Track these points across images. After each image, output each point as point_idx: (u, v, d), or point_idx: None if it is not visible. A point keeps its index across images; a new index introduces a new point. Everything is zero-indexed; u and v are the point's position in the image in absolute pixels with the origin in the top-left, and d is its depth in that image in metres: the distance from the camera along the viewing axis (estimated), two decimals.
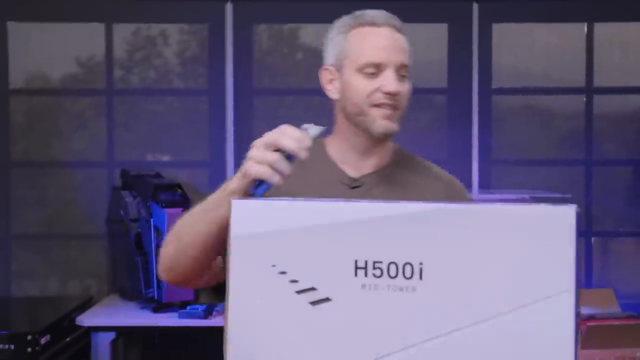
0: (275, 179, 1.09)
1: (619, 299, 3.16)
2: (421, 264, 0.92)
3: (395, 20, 1.39)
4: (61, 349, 2.73)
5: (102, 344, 2.80)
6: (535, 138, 3.54)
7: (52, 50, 3.45)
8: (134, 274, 2.89)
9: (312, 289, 0.94)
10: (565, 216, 0.90)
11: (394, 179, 1.41)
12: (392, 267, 0.93)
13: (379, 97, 1.35)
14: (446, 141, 3.42)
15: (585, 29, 3.44)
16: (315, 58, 3.63)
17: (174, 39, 3.50)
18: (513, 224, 0.90)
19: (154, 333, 3.08)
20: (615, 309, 3.08)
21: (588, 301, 3.06)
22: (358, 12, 1.41)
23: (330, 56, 1.42)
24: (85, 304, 3.03)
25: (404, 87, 1.37)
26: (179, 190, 2.90)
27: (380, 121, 1.36)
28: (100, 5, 3.40)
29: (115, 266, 3.18)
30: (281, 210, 0.96)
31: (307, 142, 1.11)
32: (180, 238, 1.24)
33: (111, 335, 2.85)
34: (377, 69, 1.35)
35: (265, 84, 3.57)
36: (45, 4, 3.40)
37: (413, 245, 0.92)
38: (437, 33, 3.41)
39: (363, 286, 0.93)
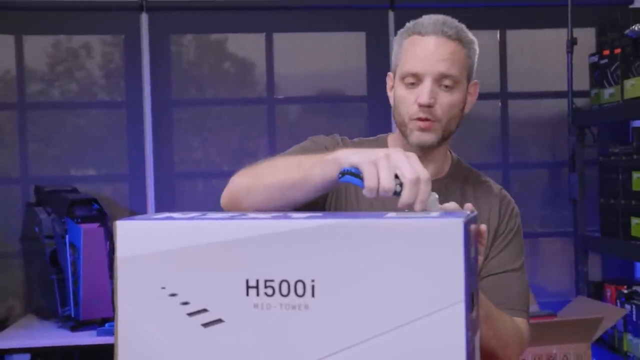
0: (370, 195, 1.03)
1: (538, 298, 3.24)
2: (313, 281, 0.92)
3: (449, 28, 1.36)
4: None
5: None
6: (453, 143, 3.60)
7: None
8: (50, 293, 2.82)
9: (204, 310, 0.93)
10: (453, 229, 0.91)
11: (452, 190, 1.41)
12: (284, 285, 0.92)
13: (415, 109, 1.35)
14: None
15: (498, 36, 3.53)
16: (243, 67, 3.65)
17: (97, 51, 3.44)
18: (403, 238, 0.91)
19: (73, 352, 3.00)
20: (533, 307, 3.15)
21: None
22: (418, 19, 1.40)
23: (392, 62, 1.44)
24: (1, 326, 2.93)
25: (445, 98, 1.35)
26: (96, 205, 2.84)
27: (416, 133, 1.37)
28: (10, 17, 3.30)
29: (31, 285, 3.09)
30: (168, 230, 0.94)
31: (420, 207, 1.03)
32: (259, 178, 1.19)
33: (26, 357, 2.77)
34: (416, 79, 1.35)
35: (193, 95, 3.53)
36: None
37: (304, 262, 0.92)
38: (355, 41, 3.44)
39: (255, 306, 0.92)
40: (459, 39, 1.37)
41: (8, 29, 3.30)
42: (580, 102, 3.26)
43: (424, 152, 1.40)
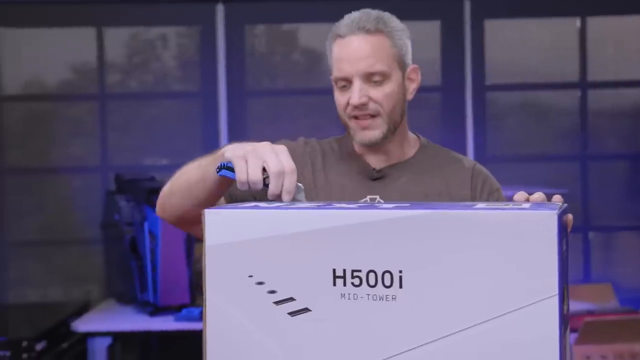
0: (242, 187, 1.11)
1: (618, 293, 3.14)
2: (401, 272, 0.91)
3: (368, 21, 1.36)
4: (57, 355, 2.73)
5: (99, 349, 2.79)
6: (530, 134, 3.52)
7: (47, 56, 3.44)
8: (129, 278, 2.89)
9: (291, 299, 0.93)
10: (547, 221, 0.88)
11: (418, 169, 1.41)
12: (371, 275, 0.91)
13: (351, 110, 1.36)
14: (441, 139, 3.38)
15: (578, 23, 3.42)
16: (313, 57, 3.66)
17: (172, 42, 3.50)
18: (494, 229, 0.89)
19: (152, 337, 3.07)
20: (613, 303, 3.07)
21: (586, 296, 3.04)
22: (340, 20, 1.40)
23: None
24: (82, 309, 3.03)
25: (377, 93, 1.35)
26: None
27: (359, 132, 1.38)
28: (91, 9, 3.39)
29: (111, 270, 3.18)
30: (256, 219, 0.95)
31: (288, 198, 1.09)
32: (174, 181, 1.30)
33: (108, 341, 2.85)
34: (346, 81, 1.36)
35: (265, 86, 3.56)
36: (37, 10, 3.39)
37: (392, 252, 0.91)
38: (429, 31, 3.39)
39: (342, 296, 0.92)
40: (379, 31, 1.35)
41: (90, 21, 3.39)
42: None
43: (373, 147, 1.40)
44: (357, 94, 1.34)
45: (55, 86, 3.49)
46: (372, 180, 1.39)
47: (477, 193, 1.41)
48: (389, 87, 1.36)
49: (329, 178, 1.38)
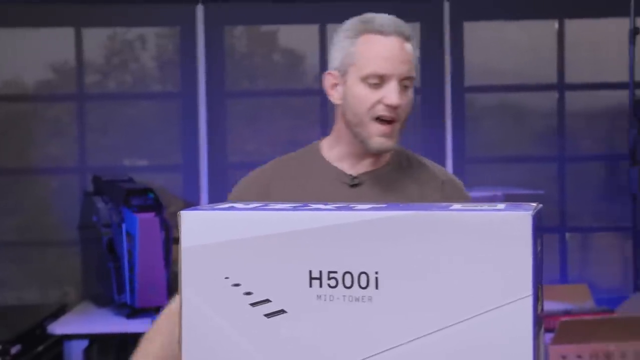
0: None
1: (594, 293, 3.18)
2: (377, 273, 0.91)
3: (404, 27, 1.36)
4: (33, 359, 2.70)
5: (75, 352, 2.77)
6: (508, 135, 3.55)
7: (26, 56, 3.41)
8: (106, 280, 2.87)
9: (267, 300, 0.93)
10: (521, 222, 0.89)
11: (391, 178, 1.42)
12: (347, 276, 0.91)
13: (380, 109, 1.35)
14: (420, 140, 3.42)
15: (556, 25, 3.45)
16: (293, 58, 3.66)
17: (151, 42, 3.48)
18: (469, 230, 0.90)
19: (129, 339, 3.05)
20: (589, 303, 3.10)
21: (562, 296, 3.07)
22: (367, 16, 1.38)
23: (335, 60, 1.40)
24: (59, 312, 3.00)
25: (406, 98, 1.36)
26: (151, 195, 2.88)
27: (377, 138, 1.36)
28: (69, 9, 3.36)
29: (88, 272, 3.15)
30: (232, 220, 0.94)
31: None
32: None
33: (84, 343, 2.83)
34: (380, 80, 1.34)
35: (245, 87, 3.55)
36: (15, 9, 3.35)
37: (368, 254, 0.91)
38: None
39: (318, 297, 0.92)
40: (411, 38, 1.38)
41: (68, 21, 3.37)
42: None
43: (375, 153, 1.40)
44: (397, 94, 1.33)
45: (33, 86, 3.46)
46: (350, 187, 1.39)
47: (451, 200, 1.42)
48: (411, 95, 1.37)
49: (307, 182, 1.38)
